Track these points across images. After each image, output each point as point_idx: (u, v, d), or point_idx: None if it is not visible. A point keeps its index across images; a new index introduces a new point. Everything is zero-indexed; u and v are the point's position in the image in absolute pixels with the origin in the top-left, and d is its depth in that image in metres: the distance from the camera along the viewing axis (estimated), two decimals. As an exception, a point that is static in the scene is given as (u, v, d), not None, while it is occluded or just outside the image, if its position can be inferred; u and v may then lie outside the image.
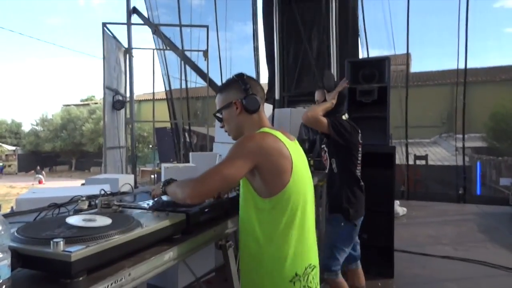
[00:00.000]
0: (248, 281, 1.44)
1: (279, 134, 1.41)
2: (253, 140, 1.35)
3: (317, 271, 1.44)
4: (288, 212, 1.36)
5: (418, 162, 9.65)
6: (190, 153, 4.40)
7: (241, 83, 1.48)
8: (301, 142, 3.22)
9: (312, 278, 1.39)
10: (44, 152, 30.56)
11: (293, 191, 1.36)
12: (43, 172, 26.14)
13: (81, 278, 0.93)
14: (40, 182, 23.23)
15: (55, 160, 31.32)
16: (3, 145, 31.37)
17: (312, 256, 1.44)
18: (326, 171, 2.65)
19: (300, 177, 1.40)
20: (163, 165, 3.66)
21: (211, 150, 5.54)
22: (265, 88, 8.74)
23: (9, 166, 30.60)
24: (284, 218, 1.36)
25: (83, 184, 4.08)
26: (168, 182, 1.43)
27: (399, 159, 8.26)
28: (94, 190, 1.95)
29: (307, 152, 2.67)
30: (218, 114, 1.55)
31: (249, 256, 1.42)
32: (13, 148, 31.67)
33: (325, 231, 2.52)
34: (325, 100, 2.54)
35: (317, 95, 2.71)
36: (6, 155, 31.06)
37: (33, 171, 27.21)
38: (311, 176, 1.55)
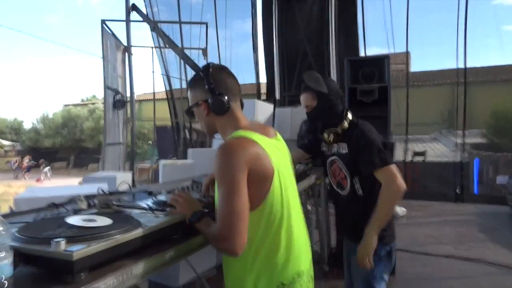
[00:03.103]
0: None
1: (256, 136, 1.29)
2: (234, 151, 1.22)
3: (305, 277, 1.35)
4: (271, 220, 1.27)
5: (416, 158, 9.65)
6: (189, 149, 4.38)
7: (206, 81, 1.33)
8: (301, 140, 3.04)
9: (299, 285, 1.32)
10: (43, 148, 30.48)
11: (275, 198, 1.27)
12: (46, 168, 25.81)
13: (82, 278, 0.93)
14: (38, 180, 23.10)
15: (53, 156, 31.25)
16: (2, 140, 31.29)
17: (300, 262, 1.34)
18: (343, 192, 2.11)
19: (282, 181, 1.30)
20: (162, 162, 3.65)
21: (210, 146, 5.52)
22: (264, 88, 8.75)
23: (7, 162, 30.48)
24: (269, 228, 1.28)
25: (80, 183, 4.07)
26: (199, 217, 1.28)
27: (397, 155, 8.24)
28: (92, 189, 1.94)
29: (308, 152, 2.50)
30: (190, 110, 1.43)
31: (233, 269, 1.34)
32: (12, 143, 31.59)
33: (353, 262, 2.04)
34: (317, 105, 2.08)
35: (306, 100, 2.15)
36: (5, 150, 30.98)
37: (41, 163, 26.48)
38: (293, 174, 1.46)
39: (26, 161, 26.22)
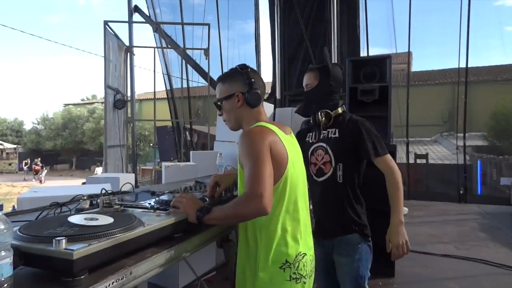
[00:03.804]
0: (243, 269, 1.45)
1: (275, 128, 1.44)
2: (257, 134, 1.36)
3: (308, 258, 1.44)
4: (282, 203, 1.39)
5: (418, 161, 9.65)
6: (191, 152, 4.41)
7: (246, 76, 1.49)
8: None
9: (303, 266, 1.41)
10: (45, 150, 30.52)
11: (287, 183, 1.40)
12: (44, 169, 25.83)
13: (83, 276, 0.93)
14: (40, 181, 23.21)
15: (55, 158, 31.32)
16: (4, 143, 31.35)
17: (304, 245, 1.44)
18: (321, 178, 2.00)
19: (294, 170, 1.44)
20: (164, 164, 3.68)
21: (212, 148, 5.54)
22: (268, 87, 8.75)
23: (10, 164, 30.56)
24: (278, 209, 1.38)
25: (84, 183, 4.09)
26: (207, 210, 1.33)
27: (399, 158, 8.25)
28: (95, 189, 1.95)
29: None
30: (218, 103, 1.56)
31: (246, 245, 1.44)
32: (14, 146, 31.65)
33: (338, 264, 1.99)
34: (317, 86, 2.05)
35: (308, 78, 2.11)
36: (7, 153, 31.03)
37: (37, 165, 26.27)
38: (305, 170, 1.58)
39: (39, 164, 26.15)
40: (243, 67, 1.52)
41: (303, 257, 1.42)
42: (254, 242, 1.40)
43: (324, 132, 2.05)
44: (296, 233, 1.42)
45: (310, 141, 2.11)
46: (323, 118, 2.02)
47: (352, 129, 1.96)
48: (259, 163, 1.29)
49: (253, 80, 1.49)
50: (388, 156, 1.96)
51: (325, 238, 2.03)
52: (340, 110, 2.04)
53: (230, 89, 1.52)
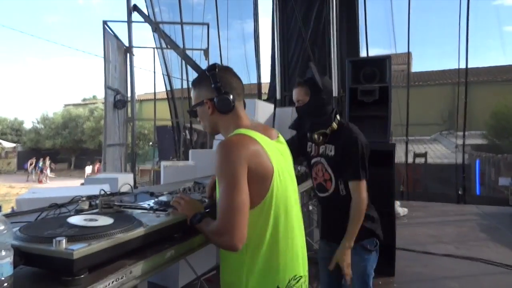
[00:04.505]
0: None
1: (257, 135, 1.29)
2: (234, 148, 1.22)
3: (302, 282, 1.35)
4: (270, 222, 1.26)
5: (417, 160, 9.66)
6: (190, 150, 4.40)
7: (212, 80, 1.34)
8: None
9: None
10: (44, 149, 30.48)
11: (273, 199, 1.26)
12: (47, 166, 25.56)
13: (82, 276, 0.93)
14: (40, 181, 23.12)
15: (54, 157, 31.29)
16: (3, 142, 31.29)
17: (298, 267, 1.34)
18: (324, 194, 2.10)
19: (282, 182, 1.30)
20: (163, 163, 3.67)
21: (211, 147, 5.54)
22: (267, 87, 8.74)
23: (8, 164, 30.43)
24: (267, 229, 1.26)
25: (82, 184, 4.09)
26: (199, 219, 1.29)
27: (398, 157, 8.25)
28: (93, 190, 1.94)
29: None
30: (193, 110, 1.44)
31: (230, 270, 1.34)
32: (13, 145, 31.57)
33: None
34: (309, 101, 2.07)
35: (298, 94, 2.14)
36: (6, 152, 30.91)
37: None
38: (294, 177, 1.45)
39: (48, 163, 25.88)
40: (210, 69, 1.37)
41: (298, 280, 1.32)
42: (241, 265, 1.28)
43: (322, 147, 2.09)
44: (289, 254, 1.30)
45: (311, 153, 2.17)
46: (320, 139, 2.07)
47: (344, 147, 2.00)
48: (232, 189, 1.18)
49: (219, 84, 1.33)
50: (363, 183, 1.98)
51: (334, 241, 2.09)
52: (335, 125, 2.04)
53: (199, 95, 1.40)
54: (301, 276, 1.34)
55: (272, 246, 1.27)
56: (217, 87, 1.33)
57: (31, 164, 25.83)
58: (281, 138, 1.47)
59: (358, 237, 1.99)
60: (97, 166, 22.55)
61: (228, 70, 1.42)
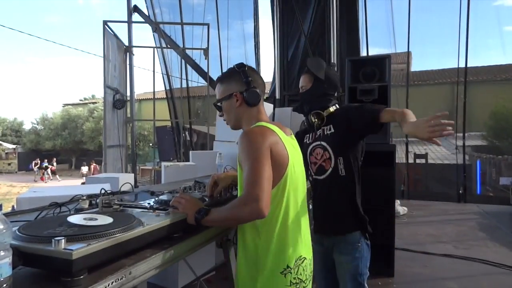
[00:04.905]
0: (243, 274, 1.43)
1: (276, 128, 1.43)
2: (257, 135, 1.34)
3: (307, 262, 1.45)
4: (282, 205, 1.37)
5: (418, 160, 9.66)
6: (190, 152, 4.41)
7: (243, 75, 1.48)
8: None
9: (302, 270, 1.41)
10: (44, 151, 30.49)
11: (287, 185, 1.38)
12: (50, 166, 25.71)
13: (82, 276, 0.93)
14: (42, 178, 23.28)
15: (55, 158, 31.30)
16: (3, 143, 31.32)
17: (303, 248, 1.44)
18: (322, 176, 2.03)
19: (294, 172, 1.42)
20: (163, 163, 3.67)
21: (211, 148, 5.54)
22: (267, 86, 8.75)
23: (9, 164, 30.52)
24: (277, 212, 1.36)
25: (83, 183, 4.09)
26: (206, 212, 1.31)
27: (399, 158, 8.26)
28: (94, 189, 1.94)
29: None
30: (218, 104, 1.55)
31: (244, 249, 1.42)
32: (13, 146, 31.62)
33: (339, 263, 2.01)
34: (311, 88, 2.09)
35: (303, 80, 2.16)
36: (6, 153, 30.99)
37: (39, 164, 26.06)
38: (304, 172, 1.57)
39: (55, 164, 26.36)
40: (240, 66, 1.51)
41: (303, 261, 1.42)
42: (254, 246, 1.38)
43: (319, 131, 2.08)
44: (296, 237, 1.41)
45: (308, 142, 2.15)
46: (316, 119, 2.05)
47: (341, 116, 2.01)
48: (258, 165, 1.27)
49: (250, 78, 1.47)
50: (385, 108, 1.90)
51: (326, 237, 2.07)
52: (332, 109, 2.07)
53: (228, 89, 1.50)
54: (305, 258, 1.43)
55: (284, 227, 1.37)
56: (248, 81, 1.47)
57: (35, 165, 26.08)
58: (293, 136, 1.59)
59: (348, 229, 1.96)
60: (92, 166, 23.21)
61: (254, 69, 1.56)
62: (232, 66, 1.55)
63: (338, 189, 1.99)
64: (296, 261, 1.38)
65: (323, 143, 2.03)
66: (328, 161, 2.01)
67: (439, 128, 1.49)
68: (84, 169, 24.13)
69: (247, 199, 1.25)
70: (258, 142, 1.31)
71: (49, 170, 25.09)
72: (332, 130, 2.02)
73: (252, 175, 1.27)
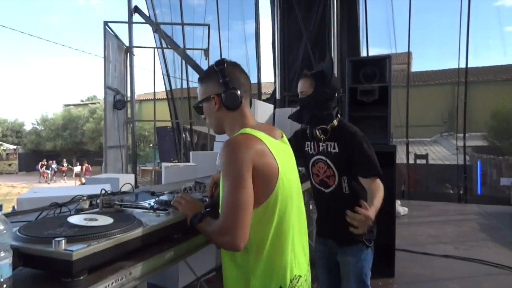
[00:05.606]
0: None
1: (262, 135, 1.27)
2: (240, 146, 1.20)
3: (302, 280, 1.33)
4: (272, 224, 1.25)
5: (418, 161, 9.66)
6: (191, 152, 4.41)
7: (220, 74, 1.31)
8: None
9: None
10: (45, 151, 30.51)
11: (278, 200, 1.25)
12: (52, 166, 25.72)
13: (82, 277, 0.93)
14: (43, 174, 23.36)
15: (55, 159, 31.28)
16: (4, 144, 31.35)
17: (300, 266, 1.33)
18: (326, 190, 2.05)
19: (287, 181, 1.28)
20: (164, 164, 3.68)
21: (211, 149, 5.54)
22: (271, 87, 8.73)
23: (10, 165, 30.56)
24: (267, 231, 1.24)
25: (83, 184, 4.09)
26: (200, 219, 1.28)
27: (400, 158, 8.25)
28: (95, 189, 1.94)
29: None
30: (199, 105, 1.41)
31: (232, 270, 1.31)
32: (14, 147, 31.65)
33: (344, 263, 2.05)
34: (312, 93, 2.02)
35: (303, 85, 2.09)
36: (7, 153, 31.03)
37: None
38: (298, 178, 1.43)
39: (65, 164, 26.44)
40: (219, 64, 1.34)
41: (298, 280, 1.31)
42: (244, 265, 1.26)
43: (323, 144, 2.05)
44: (290, 254, 1.28)
45: (310, 152, 2.12)
46: (321, 135, 2.03)
47: (347, 142, 1.97)
48: (236, 189, 1.17)
49: (227, 78, 1.30)
50: (377, 181, 1.89)
51: (330, 239, 2.10)
52: (335, 122, 2.02)
53: (206, 90, 1.36)
54: (300, 276, 1.32)
55: (275, 246, 1.26)
56: (225, 82, 1.30)
57: (42, 166, 26.12)
58: (285, 138, 1.46)
59: (354, 241, 1.95)
60: (84, 166, 23.77)
61: (236, 65, 1.39)
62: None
63: (342, 205, 1.88)
64: (291, 281, 1.27)
65: (327, 160, 2.01)
66: (332, 178, 2.01)
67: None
68: (76, 169, 24.47)
69: (222, 231, 1.19)
70: (239, 158, 1.18)
71: (49, 171, 25.17)
72: (336, 150, 2.00)
73: (228, 201, 1.18)
